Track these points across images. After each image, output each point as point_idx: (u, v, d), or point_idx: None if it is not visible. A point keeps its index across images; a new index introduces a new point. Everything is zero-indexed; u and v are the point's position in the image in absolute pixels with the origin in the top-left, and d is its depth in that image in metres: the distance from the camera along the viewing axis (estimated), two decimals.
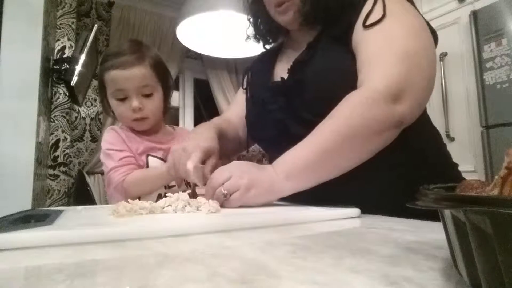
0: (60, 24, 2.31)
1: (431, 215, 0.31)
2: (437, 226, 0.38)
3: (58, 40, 2.29)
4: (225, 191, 0.53)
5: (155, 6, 2.74)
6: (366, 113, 0.52)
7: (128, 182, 0.79)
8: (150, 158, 0.85)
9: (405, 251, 0.29)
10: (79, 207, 0.64)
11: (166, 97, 0.91)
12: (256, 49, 2.30)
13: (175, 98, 3.06)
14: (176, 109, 3.07)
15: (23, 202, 1.45)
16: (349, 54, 0.60)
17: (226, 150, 0.77)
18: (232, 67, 3.14)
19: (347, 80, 0.58)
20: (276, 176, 0.54)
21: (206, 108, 3.23)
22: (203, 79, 3.10)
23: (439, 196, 0.19)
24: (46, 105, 2.04)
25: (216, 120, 0.82)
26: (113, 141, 0.84)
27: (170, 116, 3.10)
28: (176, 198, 0.53)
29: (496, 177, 0.19)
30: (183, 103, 3.07)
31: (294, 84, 0.63)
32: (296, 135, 0.60)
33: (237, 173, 0.54)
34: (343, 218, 0.49)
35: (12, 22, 1.55)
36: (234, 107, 0.86)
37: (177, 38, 1.98)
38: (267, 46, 0.84)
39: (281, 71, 0.71)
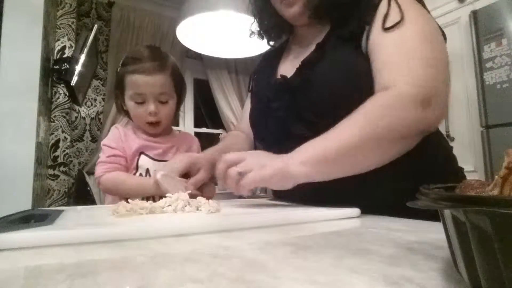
0: (60, 24, 2.31)
1: (431, 215, 0.31)
2: (437, 226, 0.39)
3: (58, 40, 2.29)
4: (240, 170, 0.52)
5: (155, 6, 2.74)
6: (396, 116, 0.51)
7: (105, 179, 0.82)
8: (142, 156, 0.87)
9: (405, 251, 0.29)
10: (79, 207, 0.64)
11: (179, 104, 0.96)
12: (256, 49, 2.29)
13: None
14: None
15: (23, 202, 1.45)
16: (360, 56, 0.59)
17: None
18: (232, 67, 3.14)
19: (356, 82, 0.58)
20: (292, 160, 0.53)
21: (206, 108, 3.23)
22: (203, 79, 3.10)
23: (439, 196, 0.19)
24: (46, 105, 2.04)
25: (224, 141, 0.88)
26: (111, 138, 0.88)
27: None
28: (176, 198, 0.53)
29: (496, 177, 0.19)
30: (183, 103, 3.07)
31: (300, 83, 0.62)
32: (296, 135, 0.59)
33: (250, 155, 0.54)
34: (343, 218, 0.49)
35: (12, 22, 1.55)
36: (245, 115, 0.87)
37: (177, 38, 1.98)
38: (271, 43, 0.84)
39: (287, 69, 0.70)
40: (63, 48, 2.29)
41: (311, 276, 0.22)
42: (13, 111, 1.52)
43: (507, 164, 0.18)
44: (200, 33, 1.95)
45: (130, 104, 0.88)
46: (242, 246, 0.32)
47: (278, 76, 0.71)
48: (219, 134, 2.73)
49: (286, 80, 0.65)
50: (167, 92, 0.88)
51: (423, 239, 0.34)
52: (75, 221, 0.43)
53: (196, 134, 3.08)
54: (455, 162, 0.67)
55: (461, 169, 0.67)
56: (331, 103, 0.57)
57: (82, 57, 1.97)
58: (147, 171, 0.87)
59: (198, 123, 3.13)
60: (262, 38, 0.82)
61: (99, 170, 0.84)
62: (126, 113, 0.93)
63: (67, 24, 2.33)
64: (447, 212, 0.20)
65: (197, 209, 0.51)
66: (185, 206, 0.51)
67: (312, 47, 0.66)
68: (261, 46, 2.08)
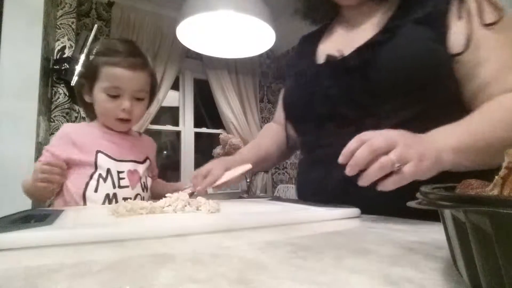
0: (60, 24, 2.31)
1: (431, 215, 0.31)
2: (437, 226, 0.39)
3: (58, 40, 2.29)
4: (397, 163, 0.42)
5: (155, 6, 2.74)
6: None
7: (22, 184, 0.79)
8: (99, 155, 0.82)
9: (405, 251, 0.29)
10: (79, 207, 0.64)
11: (149, 105, 0.93)
12: (256, 49, 2.29)
13: (175, 98, 3.06)
14: (176, 109, 3.07)
15: (23, 202, 1.45)
16: (435, 42, 0.56)
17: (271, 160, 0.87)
18: (232, 67, 3.14)
19: (425, 69, 0.55)
20: (444, 146, 0.47)
21: (206, 108, 3.23)
22: (203, 79, 3.10)
23: (439, 196, 0.19)
24: (46, 105, 2.04)
25: (259, 135, 0.93)
26: (55, 144, 0.83)
27: (170, 116, 3.10)
28: (176, 198, 0.53)
29: (496, 177, 0.19)
30: (183, 103, 3.06)
31: (359, 64, 0.59)
32: (343, 116, 0.58)
33: (401, 140, 0.44)
34: (343, 218, 0.49)
35: (12, 22, 1.55)
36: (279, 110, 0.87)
37: (177, 38, 1.98)
38: (313, 27, 0.82)
39: (331, 49, 0.67)
40: (63, 48, 2.29)
41: (311, 276, 0.22)
42: (13, 111, 1.53)
43: (507, 164, 0.18)
44: (200, 33, 1.95)
45: (101, 97, 0.83)
46: (242, 246, 0.32)
47: (321, 57, 0.69)
48: (219, 134, 2.73)
49: (344, 59, 0.62)
50: (145, 90, 0.86)
51: (423, 239, 0.34)
52: (75, 221, 0.43)
53: (196, 134, 3.08)
54: None
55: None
56: (393, 87, 0.55)
57: (82, 57, 1.97)
58: (108, 171, 0.82)
59: (198, 123, 3.12)
60: (306, 18, 0.79)
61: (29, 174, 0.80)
62: (86, 106, 0.88)
63: (67, 24, 2.33)
64: (447, 212, 0.20)
65: (197, 209, 0.51)
66: (185, 206, 0.51)
67: (366, 28, 0.64)
68: (261, 46, 2.08)
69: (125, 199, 0.82)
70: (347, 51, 0.63)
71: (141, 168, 0.88)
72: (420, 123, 0.51)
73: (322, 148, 0.64)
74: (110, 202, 0.78)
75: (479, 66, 0.54)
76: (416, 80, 0.55)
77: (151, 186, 0.92)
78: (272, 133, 0.89)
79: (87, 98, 0.86)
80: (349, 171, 0.43)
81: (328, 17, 0.78)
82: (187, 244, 0.33)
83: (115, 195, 0.80)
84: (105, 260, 0.27)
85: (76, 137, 0.83)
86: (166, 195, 0.55)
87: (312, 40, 0.79)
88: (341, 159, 0.45)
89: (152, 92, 0.91)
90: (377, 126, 0.49)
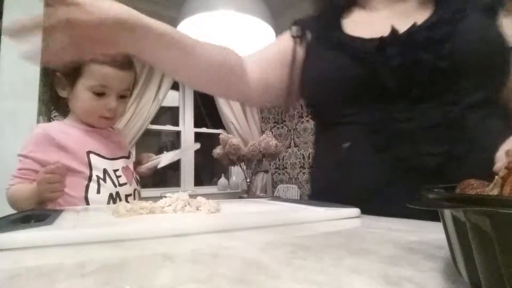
0: None
1: (431, 215, 0.31)
2: (437, 226, 0.38)
3: None
4: None
5: (155, 6, 2.74)
6: None
7: (8, 193, 0.75)
8: (92, 156, 0.80)
9: (405, 251, 0.29)
10: (79, 207, 0.64)
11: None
12: (256, 49, 2.28)
13: (175, 98, 3.06)
14: (176, 109, 3.07)
15: None
16: (497, 27, 0.57)
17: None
18: None
19: (497, 53, 0.56)
20: None
21: (206, 108, 3.23)
22: None
23: (439, 196, 0.19)
24: (46, 105, 2.04)
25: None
26: (35, 147, 0.77)
27: (170, 116, 3.10)
28: (176, 198, 0.53)
29: (496, 177, 0.19)
30: (183, 103, 3.06)
31: (439, 37, 0.58)
32: (420, 90, 0.56)
33: None
34: (343, 218, 0.49)
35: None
36: (261, 55, 0.74)
37: None
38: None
39: (381, 26, 0.63)
40: None
41: (311, 276, 0.22)
42: (13, 111, 1.53)
43: (507, 164, 0.18)
44: (200, 33, 1.95)
45: (85, 95, 0.80)
46: (242, 246, 0.32)
47: (346, 34, 0.65)
48: (219, 134, 2.73)
49: (420, 30, 0.59)
50: (130, 89, 0.87)
51: (423, 239, 0.34)
52: (75, 221, 0.43)
53: (196, 134, 3.08)
54: None
55: None
56: (472, 62, 0.55)
57: None
58: (105, 171, 0.81)
59: (198, 123, 3.13)
60: (326, 8, 0.75)
61: (9, 182, 0.76)
62: (59, 101, 0.85)
63: None
64: (447, 212, 0.20)
65: (197, 209, 0.51)
66: (185, 206, 0.51)
67: (410, 7, 0.64)
68: (261, 46, 2.08)
69: (127, 195, 0.82)
70: (398, 27, 0.60)
71: (130, 163, 0.89)
72: (489, 107, 0.52)
73: (395, 124, 0.58)
74: (114, 202, 0.78)
75: None
76: (491, 59, 0.55)
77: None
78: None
79: (62, 93, 0.83)
80: None
81: (349, 3, 0.74)
82: (187, 244, 0.33)
83: (117, 193, 0.80)
84: (105, 260, 0.27)
85: (59, 138, 0.78)
86: (166, 195, 0.55)
87: (330, 17, 0.72)
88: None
89: (132, 92, 0.92)
90: (457, 103, 0.52)
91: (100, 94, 0.81)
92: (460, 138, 0.52)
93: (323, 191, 0.66)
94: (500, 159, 0.39)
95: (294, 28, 0.74)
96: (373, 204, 0.52)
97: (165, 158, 0.76)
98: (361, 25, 0.67)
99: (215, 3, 1.66)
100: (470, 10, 0.58)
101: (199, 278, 0.22)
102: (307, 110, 0.71)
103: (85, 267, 0.25)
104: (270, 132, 3.19)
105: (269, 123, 3.58)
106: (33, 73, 1.60)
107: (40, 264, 0.26)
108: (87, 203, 0.76)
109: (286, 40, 0.74)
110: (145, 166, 0.92)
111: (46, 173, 0.64)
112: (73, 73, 0.80)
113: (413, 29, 0.60)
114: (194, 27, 1.87)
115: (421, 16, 0.61)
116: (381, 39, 0.61)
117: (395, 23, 0.60)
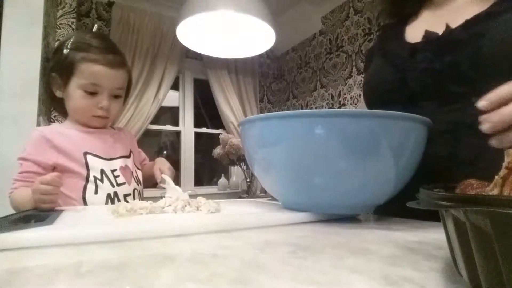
0: (60, 24, 2.31)
1: (431, 215, 0.31)
2: (437, 226, 0.39)
3: (58, 40, 2.29)
4: None
5: (155, 6, 2.74)
6: None
7: (11, 197, 0.75)
8: (88, 156, 0.80)
9: (405, 251, 0.29)
10: (79, 207, 0.64)
11: (124, 103, 0.92)
12: (256, 49, 2.28)
13: (175, 98, 3.06)
14: (176, 109, 3.07)
15: None
16: None
17: None
18: (232, 67, 3.14)
19: None
20: None
21: (206, 108, 3.23)
22: (203, 79, 3.10)
23: (439, 196, 0.19)
24: (46, 105, 2.04)
25: None
26: (33, 150, 0.78)
27: (170, 116, 3.10)
28: (176, 198, 0.53)
29: (496, 177, 0.19)
30: (183, 103, 3.06)
31: (470, 36, 0.58)
32: (446, 92, 0.58)
33: None
34: (343, 218, 0.49)
35: (12, 22, 1.55)
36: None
37: (177, 38, 1.98)
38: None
39: (422, 29, 0.67)
40: None
41: (311, 276, 0.22)
42: (13, 111, 1.53)
43: (507, 164, 0.18)
44: (200, 33, 1.95)
45: (76, 94, 0.80)
46: (242, 246, 0.32)
47: (414, 36, 0.68)
48: (219, 134, 2.73)
49: (451, 33, 0.61)
50: (123, 88, 0.86)
51: (423, 239, 0.34)
52: (75, 221, 0.43)
53: (196, 134, 3.08)
54: None
55: None
56: (505, 60, 0.55)
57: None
58: (102, 171, 0.80)
59: (198, 123, 3.12)
60: (392, 16, 0.79)
61: (11, 186, 0.76)
62: (56, 101, 0.85)
63: (67, 24, 2.33)
64: (447, 212, 0.20)
65: (197, 209, 0.51)
66: (185, 206, 0.51)
67: (463, 4, 0.64)
68: (261, 46, 2.08)
69: (126, 195, 0.82)
70: (445, 27, 0.62)
71: (129, 162, 0.88)
72: None
73: None
74: (112, 202, 0.78)
75: None
76: None
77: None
78: None
79: (58, 93, 0.83)
80: (487, 128, 0.35)
81: (416, 8, 0.76)
82: (187, 244, 0.33)
83: (116, 194, 0.80)
84: (105, 260, 0.27)
85: (57, 140, 0.78)
86: (166, 195, 0.55)
87: (394, 26, 0.76)
88: (482, 105, 0.35)
89: (128, 89, 0.91)
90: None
91: (92, 93, 0.80)
92: (475, 141, 0.52)
93: None
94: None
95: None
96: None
97: (169, 185, 0.74)
98: (419, 30, 0.69)
99: (215, 3, 1.66)
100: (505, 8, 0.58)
101: (199, 278, 0.22)
102: None
103: (85, 267, 0.25)
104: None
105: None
106: (33, 73, 1.60)
107: (40, 264, 0.26)
108: (85, 204, 0.76)
109: None
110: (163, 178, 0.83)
111: (42, 184, 0.64)
112: (66, 72, 0.80)
113: (446, 31, 0.62)
114: (194, 27, 1.87)
115: (476, 8, 0.61)
116: (413, 45, 0.66)
117: (450, 21, 0.62)
